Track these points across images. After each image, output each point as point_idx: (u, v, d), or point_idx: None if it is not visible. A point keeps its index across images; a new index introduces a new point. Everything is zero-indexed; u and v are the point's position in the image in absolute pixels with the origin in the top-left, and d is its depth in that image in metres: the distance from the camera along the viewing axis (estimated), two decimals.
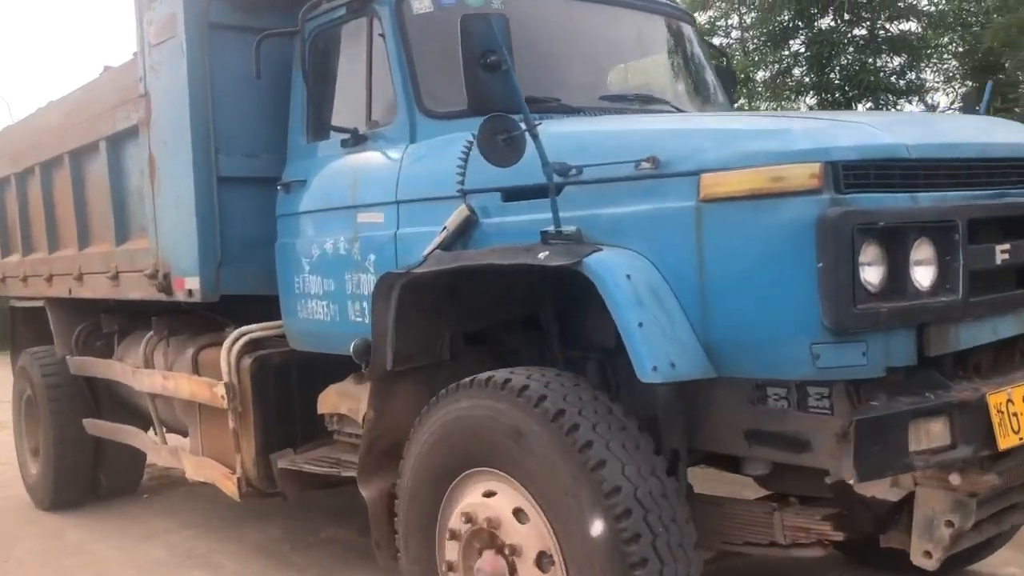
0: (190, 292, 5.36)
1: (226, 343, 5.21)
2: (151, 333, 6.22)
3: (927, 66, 13.71)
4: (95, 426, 7.30)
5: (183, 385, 5.60)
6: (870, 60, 12.71)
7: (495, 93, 3.36)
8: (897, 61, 13.30)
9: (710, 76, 5.44)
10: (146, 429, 6.98)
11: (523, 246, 3.48)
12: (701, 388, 3.55)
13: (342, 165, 4.70)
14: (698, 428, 3.75)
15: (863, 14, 13.01)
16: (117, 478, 7.84)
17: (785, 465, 3.65)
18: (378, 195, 4.43)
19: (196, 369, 5.76)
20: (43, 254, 7.53)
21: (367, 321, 4.47)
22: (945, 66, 14.13)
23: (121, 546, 6.49)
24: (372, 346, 4.12)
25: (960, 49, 13.78)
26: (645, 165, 3.30)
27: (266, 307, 5.36)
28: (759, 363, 3.15)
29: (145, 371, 6.12)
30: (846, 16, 12.92)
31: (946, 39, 13.53)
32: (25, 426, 8.08)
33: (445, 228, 3.93)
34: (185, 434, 6.56)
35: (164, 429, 6.38)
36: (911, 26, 13.53)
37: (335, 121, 4.85)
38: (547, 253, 3.32)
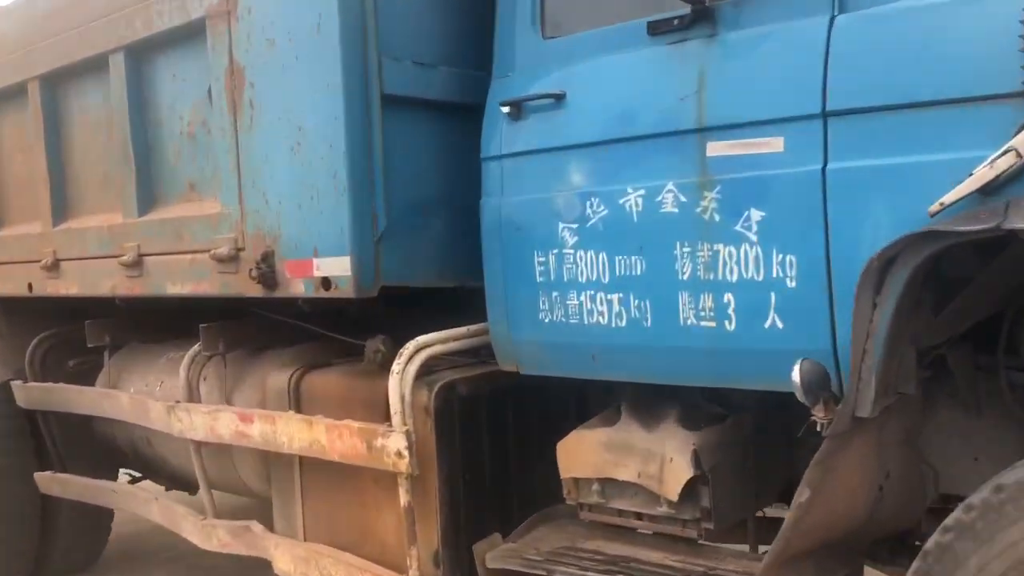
0: (325, 283, 3.29)
1: (397, 365, 3.18)
2: (196, 348, 4.06)
3: None
4: (60, 485, 5.01)
5: (298, 433, 3.48)
6: None
7: None
8: None
9: None
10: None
11: None
12: None
13: (660, 64, 2.79)
14: None
15: None
16: (74, 553, 5.58)
17: None
18: (766, 107, 2.56)
19: (298, 404, 3.68)
20: None
21: (732, 327, 2.61)
22: None
23: None
24: (851, 373, 2.26)
25: None
26: None
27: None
28: None
29: (199, 408, 3.94)
30: None
31: None
32: None
33: (1013, 150, 2.11)
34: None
35: (212, 495, 4.18)
36: None
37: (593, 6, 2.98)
38: None
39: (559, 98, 2.99)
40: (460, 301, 3.58)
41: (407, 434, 3.11)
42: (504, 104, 3.10)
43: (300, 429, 3.47)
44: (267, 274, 3.44)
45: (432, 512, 3.25)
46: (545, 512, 3.39)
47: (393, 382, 3.16)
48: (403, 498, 3.19)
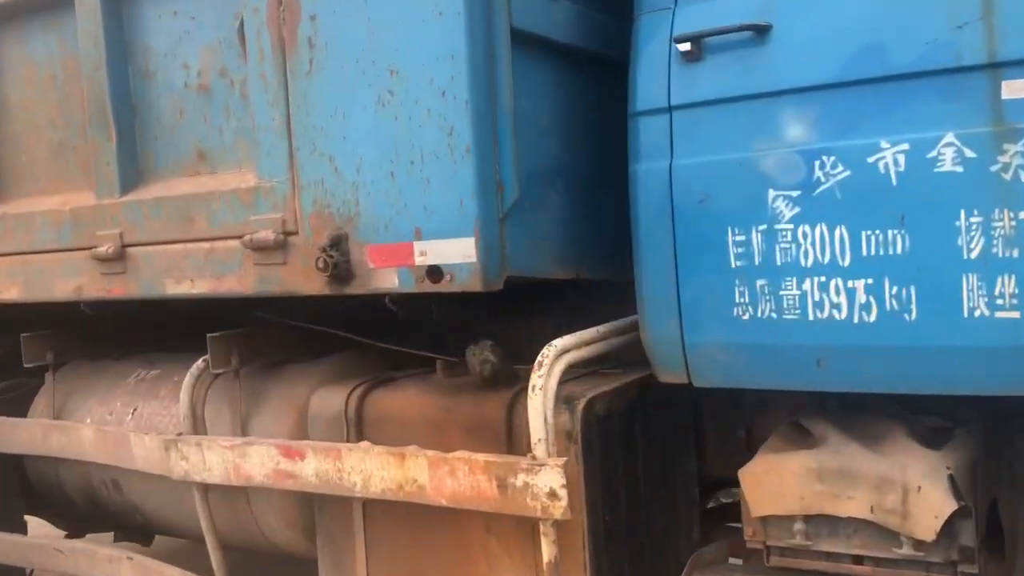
0: (433, 274, 2.51)
1: (538, 377, 2.43)
2: (200, 364, 3.16)
3: None
4: None
5: (380, 470, 2.65)
6: None
7: None
8: None
9: None
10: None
11: None
12: None
13: None
14: None
15: None
16: None
17: None
18: None
19: (359, 431, 2.88)
20: None
21: None
22: None
23: None
24: None
25: None
26: None
27: None
28: None
29: (217, 442, 3.04)
30: None
31: None
32: None
33: None
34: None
35: (222, 551, 3.28)
36: None
37: None
38: None
39: (762, 30, 2.34)
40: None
41: (564, 468, 2.38)
42: (682, 40, 2.41)
43: (384, 465, 2.66)
44: (340, 264, 2.63)
45: (579, 567, 2.53)
46: (699, 556, 2.74)
47: (535, 400, 2.42)
48: (547, 551, 2.45)
